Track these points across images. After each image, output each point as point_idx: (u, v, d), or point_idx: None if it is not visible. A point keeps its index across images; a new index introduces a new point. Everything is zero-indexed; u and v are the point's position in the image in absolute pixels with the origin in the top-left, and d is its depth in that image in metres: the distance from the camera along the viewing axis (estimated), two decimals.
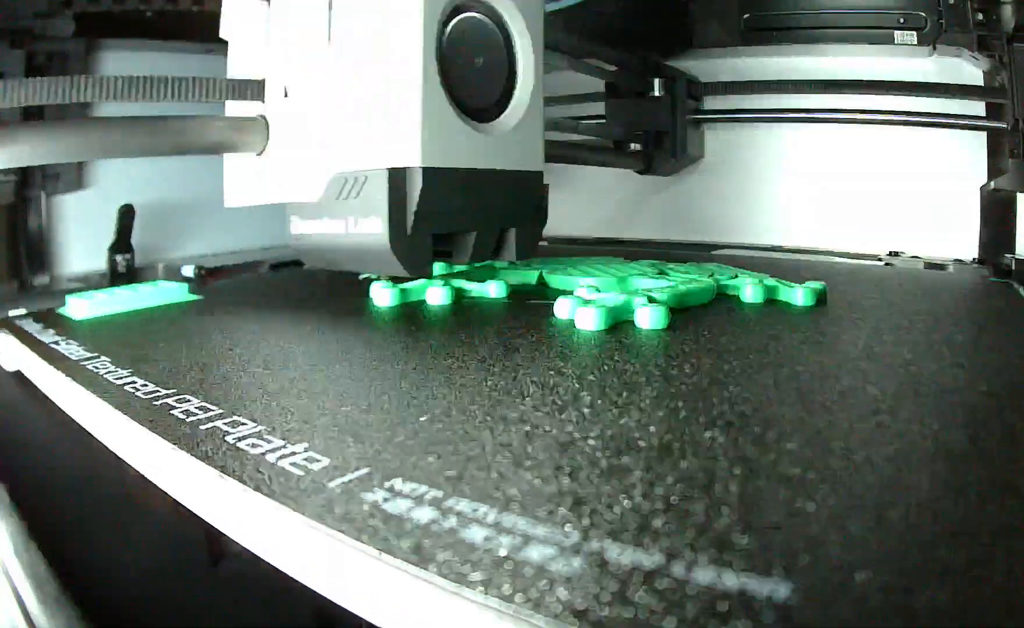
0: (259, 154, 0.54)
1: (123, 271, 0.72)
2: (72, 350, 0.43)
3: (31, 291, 0.70)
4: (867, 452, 0.25)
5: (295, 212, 0.53)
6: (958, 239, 0.85)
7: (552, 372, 0.35)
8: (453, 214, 0.50)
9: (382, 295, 0.55)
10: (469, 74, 0.49)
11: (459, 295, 0.56)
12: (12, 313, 0.57)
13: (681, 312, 0.49)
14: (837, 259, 0.85)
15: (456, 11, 0.49)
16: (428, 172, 0.46)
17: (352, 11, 0.49)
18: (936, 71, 0.84)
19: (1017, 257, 0.79)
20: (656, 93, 0.91)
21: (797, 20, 0.87)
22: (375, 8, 0.47)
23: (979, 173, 0.84)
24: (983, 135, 0.84)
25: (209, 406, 0.31)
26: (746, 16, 0.91)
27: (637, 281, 0.57)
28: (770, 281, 0.55)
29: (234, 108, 0.56)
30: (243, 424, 0.29)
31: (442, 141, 0.47)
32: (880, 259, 0.86)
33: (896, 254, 0.86)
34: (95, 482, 0.46)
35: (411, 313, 0.52)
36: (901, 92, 0.85)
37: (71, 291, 0.57)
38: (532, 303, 0.54)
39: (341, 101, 0.49)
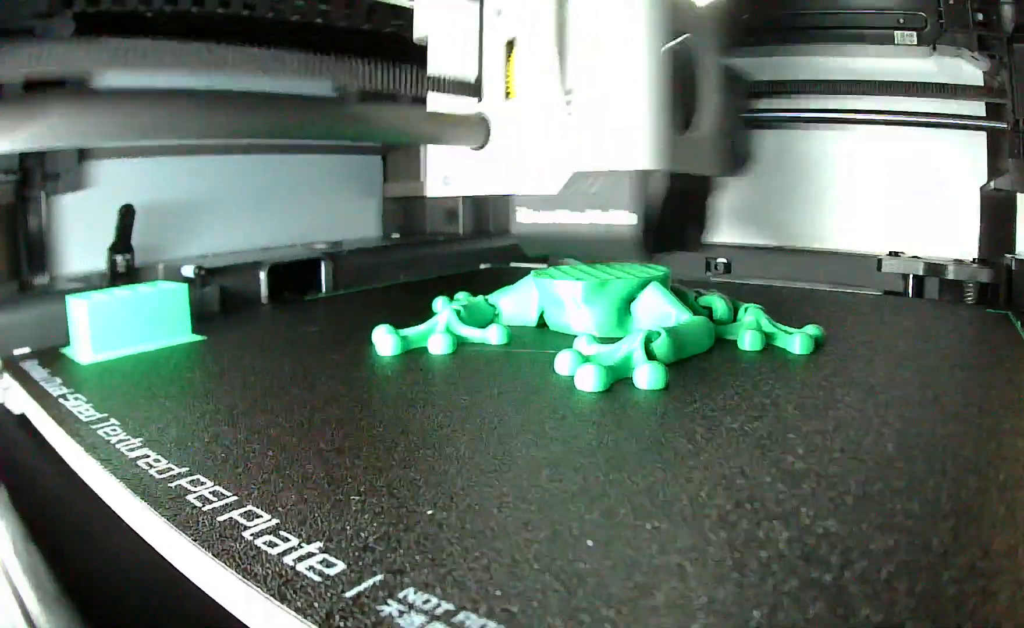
0: (477, 149, 0.58)
1: (123, 271, 0.72)
2: (81, 409, 0.43)
3: (31, 291, 0.70)
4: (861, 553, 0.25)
5: (524, 203, 0.58)
6: (958, 239, 0.85)
7: (547, 473, 0.33)
8: (676, 208, 0.55)
9: (384, 343, 0.55)
10: (678, 91, 0.55)
11: (460, 343, 0.57)
12: (16, 352, 0.57)
13: (681, 363, 0.50)
14: (834, 288, 0.86)
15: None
16: (667, 174, 0.53)
17: (593, 26, 0.53)
18: (936, 71, 0.84)
19: (1017, 257, 0.79)
20: None
21: (796, 20, 0.87)
22: (617, 21, 0.52)
23: (979, 173, 0.84)
24: (983, 135, 0.84)
25: (223, 492, 0.31)
26: (744, 16, 0.91)
27: (615, 286, 0.59)
28: (768, 326, 0.56)
29: (435, 103, 0.60)
30: (258, 516, 0.29)
31: (672, 148, 0.53)
32: (880, 259, 0.86)
33: (896, 254, 0.86)
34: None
35: (413, 365, 0.52)
36: (901, 92, 0.85)
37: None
38: (531, 353, 0.55)
39: (582, 107, 0.54)
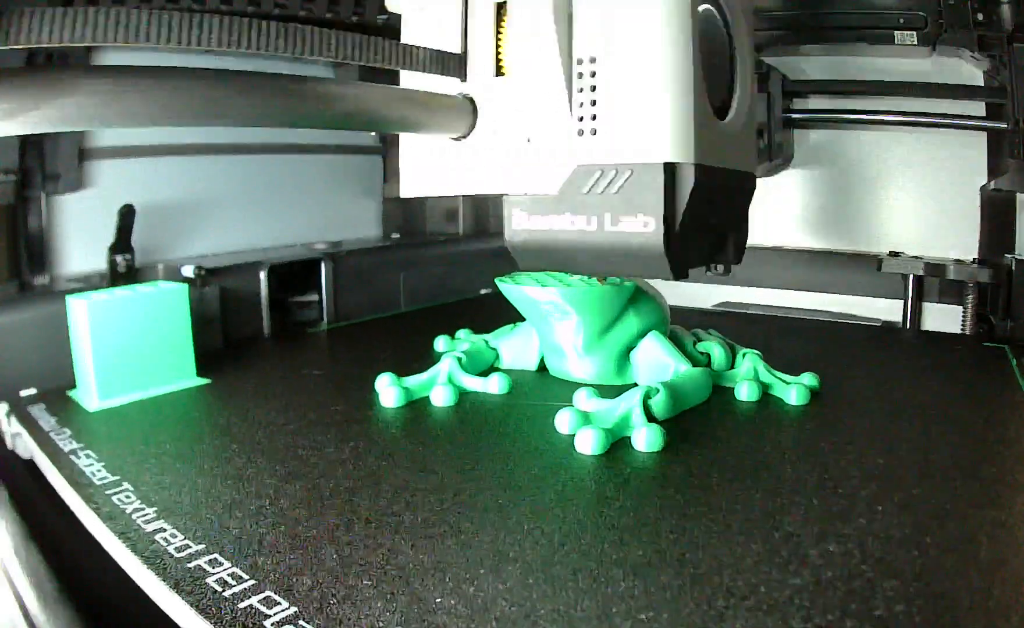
0: (460, 138, 0.50)
1: (123, 271, 0.72)
2: (93, 468, 0.43)
3: (31, 291, 0.70)
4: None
5: (518, 205, 0.49)
6: (958, 239, 0.85)
7: (548, 557, 0.34)
8: (708, 215, 0.47)
9: (388, 395, 0.55)
10: (711, 69, 0.46)
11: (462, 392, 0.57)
12: (23, 393, 0.57)
13: (679, 416, 0.51)
14: (832, 320, 0.87)
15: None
16: (699, 169, 0.43)
17: None
18: (936, 71, 0.84)
19: (1017, 257, 0.79)
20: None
21: (795, 20, 0.87)
22: None
23: (979, 173, 0.84)
24: (983, 135, 0.84)
25: (241, 575, 0.32)
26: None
27: (615, 336, 0.58)
28: (765, 375, 0.57)
29: (409, 83, 0.50)
30: (277, 603, 0.29)
31: (706, 137, 0.44)
32: (880, 259, 0.86)
33: (896, 254, 0.86)
34: None
35: (416, 420, 0.52)
36: (901, 92, 0.85)
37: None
38: (532, 405, 0.54)
39: (589, 87, 0.44)
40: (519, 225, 0.49)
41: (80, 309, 0.55)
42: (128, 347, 0.56)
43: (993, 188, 0.81)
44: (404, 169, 0.54)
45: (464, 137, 0.50)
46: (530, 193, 0.48)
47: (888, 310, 0.89)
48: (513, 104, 0.48)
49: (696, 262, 0.49)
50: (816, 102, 0.91)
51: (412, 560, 0.33)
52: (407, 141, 0.54)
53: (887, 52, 0.84)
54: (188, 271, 0.71)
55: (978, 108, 0.82)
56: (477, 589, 0.30)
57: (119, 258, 0.72)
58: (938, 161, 0.87)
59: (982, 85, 0.81)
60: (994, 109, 0.80)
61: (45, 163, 0.74)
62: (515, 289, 0.58)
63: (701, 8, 0.46)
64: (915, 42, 0.80)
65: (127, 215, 0.72)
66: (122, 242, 0.72)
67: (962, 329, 0.82)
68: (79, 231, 0.77)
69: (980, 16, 0.76)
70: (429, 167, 0.53)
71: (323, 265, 0.85)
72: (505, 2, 0.47)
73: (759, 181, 0.55)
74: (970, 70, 0.82)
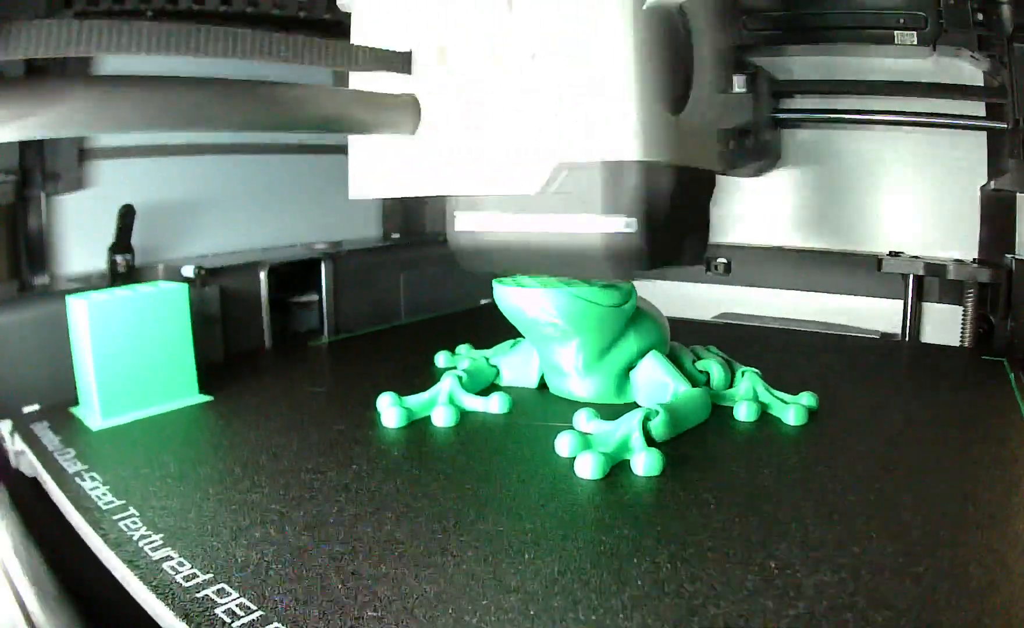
0: (407, 136, 0.48)
1: (123, 271, 0.72)
2: (99, 491, 0.43)
3: (31, 291, 0.70)
4: None
5: (464, 205, 0.48)
6: (958, 239, 0.85)
7: (548, 589, 0.34)
8: (668, 212, 0.46)
9: (389, 415, 0.55)
10: (667, 65, 0.45)
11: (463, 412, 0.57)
12: (26, 410, 0.57)
13: (678, 437, 0.51)
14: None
15: None
16: (655, 166, 0.43)
17: None
18: (936, 71, 0.84)
19: (1017, 257, 0.79)
20: (736, 89, 0.84)
21: (794, 20, 0.87)
22: None
23: (979, 173, 0.84)
24: (983, 135, 0.84)
25: (249, 605, 0.32)
26: (742, 16, 0.91)
27: (615, 356, 0.58)
28: (764, 395, 0.57)
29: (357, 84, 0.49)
30: None
31: (668, 136, 0.43)
32: (880, 259, 0.86)
33: (896, 254, 0.86)
34: None
35: (417, 442, 0.52)
36: (900, 92, 0.85)
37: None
38: (532, 425, 0.54)
39: (546, 80, 0.43)
40: (463, 226, 0.48)
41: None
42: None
43: (993, 188, 0.81)
44: (352, 169, 0.53)
45: (411, 133, 0.48)
46: (478, 192, 0.47)
47: (888, 310, 0.89)
48: (463, 100, 0.46)
49: (657, 260, 0.48)
50: (811, 102, 0.91)
51: (416, 590, 0.33)
52: (355, 142, 0.52)
53: (887, 52, 0.84)
54: (188, 271, 0.71)
55: (978, 108, 0.82)
56: (480, 621, 0.31)
57: (119, 258, 0.72)
58: (938, 161, 0.87)
59: (982, 85, 0.81)
60: (994, 109, 0.80)
61: (45, 163, 0.74)
62: (515, 310, 0.57)
63: (653, 2, 0.44)
64: (915, 42, 0.80)
65: (127, 215, 0.72)
66: (122, 242, 0.72)
67: (962, 329, 0.82)
68: (79, 231, 0.77)
69: (980, 16, 0.76)
70: (378, 168, 0.51)
71: (323, 265, 0.85)
72: None
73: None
74: (970, 70, 0.82)
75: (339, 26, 0.57)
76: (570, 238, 0.44)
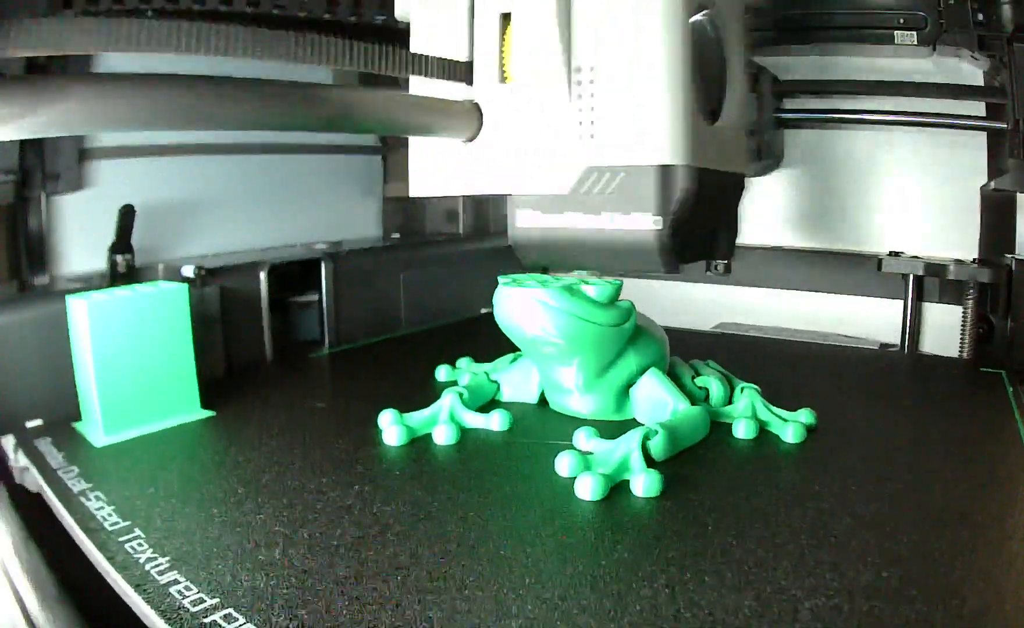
0: (467, 141, 0.52)
1: (123, 271, 0.72)
2: (104, 511, 0.43)
3: (31, 291, 0.70)
4: None
5: (525, 204, 0.52)
6: (958, 239, 0.86)
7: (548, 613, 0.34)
8: (701, 213, 0.50)
9: (390, 433, 0.55)
10: (703, 75, 0.50)
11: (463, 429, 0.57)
12: (29, 425, 0.56)
13: (677, 456, 0.51)
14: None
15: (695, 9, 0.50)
16: (692, 171, 0.48)
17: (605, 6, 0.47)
18: (936, 71, 0.84)
19: (1017, 257, 0.79)
20: None
21: (794, 20, 0.87)
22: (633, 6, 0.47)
23: (979, 173, 0.84)
24: (983, 135, 0.84)
25: None
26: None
27: (615, 374, 0.58)
28: (763, 413, 0.57)
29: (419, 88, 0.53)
30: None
31: (699, 140, 0.48)
32: (880, 259, 0.86)
33: (896, 254, 0.86)
34: None
35: (418, 461, 0.52)
36: (900, 92, 0.85)
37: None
38: (532, 443, 0.54)
39: (588, 94, 0.48)
40: (523, 223, 0.53)
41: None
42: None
43: (993, 188, 0.81)
44: (413, 170, 0.57)
45: (471, 140, 0.52)
46: (533, 193, 0.51)
47: (888, 310, 0.89)
48: (517, 109, 0.51)
49: (690, 258, 0.53)
50: (812, 102, 0.91)
51: (420, 616, 0.33)
52: (416, 144, 0.56)
53: (887, 52, 0.84)
54: (188, 271, 0.71)
55: (978, 108, 0.82)
56: None
57: (119, 258, 0.72)
58: (938, 161, 0.87)
59: (982, 85, 0.81)
60: (994, 109, 0.80)
61: (45, 163, 0.74)
62: (516, 328, 0.57)
63: (693, 18, 0.49)
64: (915, 42, 0.80)
65: (127, 215, 0.72)
66: (122, 242, 0.72)
67: (962, 329, 0.82)
68: (79, 231, 0.77)
69: (980, 16, 0.76)
70: (437, 169, 0.55)
71: (323, 265, 0.85)
72: (510, 13, 0.50)
73: (757, 181, 0.57)
74: (970, 70, 0.82)
75: (340, 26, 0.57)
76: (624, 234, 0.49)
